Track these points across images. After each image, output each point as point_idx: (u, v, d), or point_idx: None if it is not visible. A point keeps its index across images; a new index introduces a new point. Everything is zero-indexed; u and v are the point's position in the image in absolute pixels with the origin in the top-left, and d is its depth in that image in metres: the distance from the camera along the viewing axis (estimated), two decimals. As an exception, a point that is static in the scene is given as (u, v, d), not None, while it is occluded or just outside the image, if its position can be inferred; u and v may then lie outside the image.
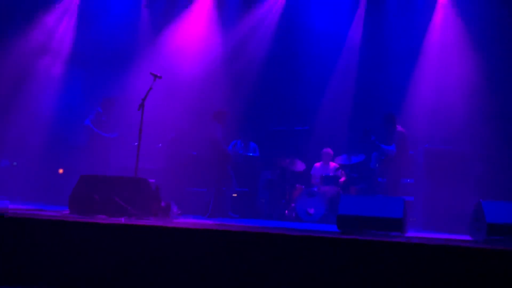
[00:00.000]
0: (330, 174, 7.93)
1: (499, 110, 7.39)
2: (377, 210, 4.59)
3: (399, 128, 6.82)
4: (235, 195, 7.56)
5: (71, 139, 8.38)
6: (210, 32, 9.41)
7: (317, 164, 8.32)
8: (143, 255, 3.24)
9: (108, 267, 3.24)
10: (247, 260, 3.17)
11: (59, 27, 9.17)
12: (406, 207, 4.73)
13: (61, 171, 8.12)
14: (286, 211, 7.81)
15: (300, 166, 8.14)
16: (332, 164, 8.15)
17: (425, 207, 7.00)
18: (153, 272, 3.23)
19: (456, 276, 2.96)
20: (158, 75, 5.86)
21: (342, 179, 7.87)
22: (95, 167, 7.22)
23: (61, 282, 3.20)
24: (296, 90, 9.22)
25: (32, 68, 8.70)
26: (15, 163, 8.43)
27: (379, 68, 8.77)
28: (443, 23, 8.42)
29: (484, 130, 7.32)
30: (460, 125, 7.51)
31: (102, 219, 3.89)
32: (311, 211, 7.38)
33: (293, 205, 7.68)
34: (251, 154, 8.16)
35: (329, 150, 8.22)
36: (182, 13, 9.46)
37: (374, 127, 6.99)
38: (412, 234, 4.87)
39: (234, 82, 9.13)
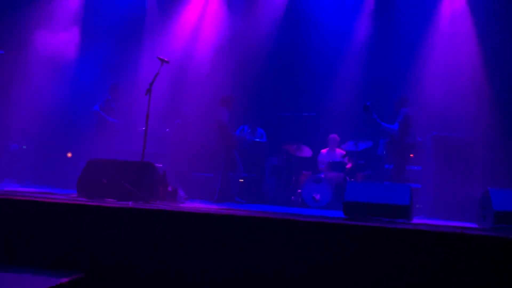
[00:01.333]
0: (337, 160, 7.92)
1: (508, 98, 7.30)
2: (384, 197, 4.59)
3: (406, 109, 6.70)
4: (241, 180, 7.58)
5: (80, 123, 8.42)
6: (218, 17, 9.33)
7: (324, 150, 8.30)
8: (149, 239, 3.28)
9: (115, 250, 3.28)
10: (253, 245, 3.19)
11: (67, 11, 9.14)
12: (413, 194, 4.73)
13: (69, 155, 8.18)
14: (293, 197, 7.84)
15: (306, 152, 8.13)
16: (339, 151, 8.13)
17: (433, 194, 6.98)
18: (160, 255, 3.26)
19: (462, 263, 2.96)
20: (166, 59, 5.83)
21: (349, 165, 7.86)
22: (103, 152, 7.29)
23: (69, 264, 3.24)
24: (303, 76, 9.15)
25: (42, 51, 8.70)
26: (24, 147, 8.51)
27: (387, 55, 8.67)
28: (451, 10, 8.29)
29: (493, 118, 7.26)
30: (468, 113, 7.44)
31: (109, 202, 3.92)
32: (317, 197, 7.39)
33: (299, 191, 7.69)
34: (258, 139, 8.15)
35: (335, 136, 8.20)
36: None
37: (383, 113, 6.91)
38: (419, 221, 4.86)
39: (241, 67, 9.07)
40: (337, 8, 9.05)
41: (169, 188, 5.27)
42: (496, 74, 7.50)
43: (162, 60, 5.80)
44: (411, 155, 6.73)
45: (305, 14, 9.20)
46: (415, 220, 4.74)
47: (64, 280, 2.74)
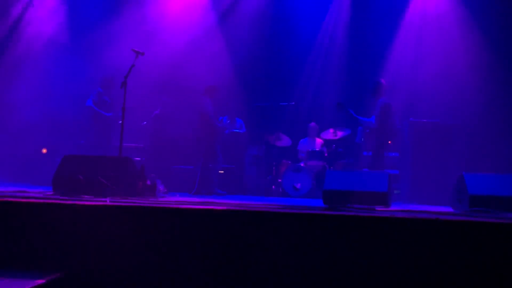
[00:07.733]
0: (316, 149, 7.95)
1: (483, 83, 7.43)
2: (362, 185, 4.65)
3: (383, 99, 6.62)
4: (221, 171, 7.56)
5: (63, 117, 8.11)
6: (196, 6, 9.20)
7: (303, 139, 8.33)
8: (128, 236, 3.24)
9: (93, 249, 3.23)
10: (233, 238, 3.19)
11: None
12: (391, 180, 4.79)
13: (44, 151, 7.98)
14: (273, 187, 7.86)
15: (286, 141, 8.15)
16: (318, 139, 8.17)
17: (410, 180, 7.09)
18: (138, 252, 3.23)
19: (438, 249, 3.02)
20: (141, 51, 5.74)
21: (325, 154, 7.89)
22: (99, 147, 7.12)
23: (46, 265, 3.19)
24: (281, 65, 9.15)
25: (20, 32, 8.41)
26: None
27: (365, 42, 8.72)
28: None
29: (468, 103, 7.38)
30: (444, 98, 7.55)
31: (86, 199, 3.86)
32: (298, 186, 7.43)
33: (279, 180, 7.72)
34: (237, 130, 8.13)
35: (315, 125, 8.23)
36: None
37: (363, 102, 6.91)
38: (397, 207, 4.94)
39: (219, 58, 9.00)
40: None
41: (148, 182, 5.21)
42: (474, 59, 7.58)
43: (137, 52, 5.72)
44: (389, 142, 6.78)
45: (283, 4, 9.16)
46: (393, 206, 4.81)
47: (40, 281, 2.69)
